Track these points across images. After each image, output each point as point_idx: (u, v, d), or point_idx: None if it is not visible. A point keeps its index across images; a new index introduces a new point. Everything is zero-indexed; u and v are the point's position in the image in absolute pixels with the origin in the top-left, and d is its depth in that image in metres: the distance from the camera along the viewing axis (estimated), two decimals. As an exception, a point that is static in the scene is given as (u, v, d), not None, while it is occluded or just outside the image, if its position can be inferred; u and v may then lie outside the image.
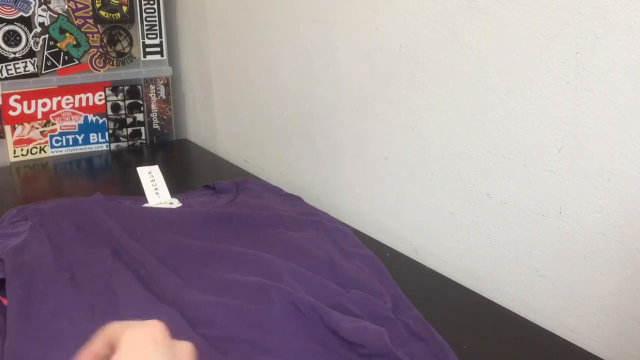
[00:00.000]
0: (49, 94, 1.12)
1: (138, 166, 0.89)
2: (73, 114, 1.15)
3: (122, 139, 1.20)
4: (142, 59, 1.19)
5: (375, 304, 0.56)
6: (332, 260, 0.63)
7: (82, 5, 1.11)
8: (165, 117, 1.24)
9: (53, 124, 1.14)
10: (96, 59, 1.15)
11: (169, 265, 0.61)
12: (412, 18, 0.67)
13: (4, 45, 1.06)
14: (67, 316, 0.54)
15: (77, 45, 1.13)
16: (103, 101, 1.17)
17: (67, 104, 1.14)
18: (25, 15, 1.07)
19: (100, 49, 1.15)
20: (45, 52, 1.10)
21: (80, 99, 1.15)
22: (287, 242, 0.67)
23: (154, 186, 0.84)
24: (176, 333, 0.43)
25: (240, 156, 1.12)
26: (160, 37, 1.19)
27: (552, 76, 0.54)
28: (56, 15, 1.09)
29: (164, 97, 1.23)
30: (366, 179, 0.81)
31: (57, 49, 1.11)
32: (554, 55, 0.53)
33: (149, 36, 1.18)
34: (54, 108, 1.13)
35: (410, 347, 0.51)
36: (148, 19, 1.17)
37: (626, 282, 0.52)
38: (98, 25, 1.14)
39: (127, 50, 1.17)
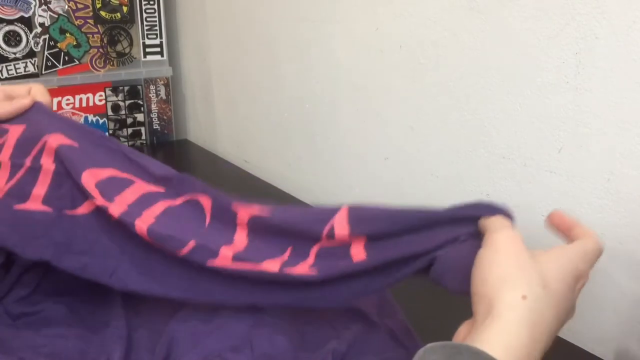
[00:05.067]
0: (49, 94, 1.12)
1: (138, 166, 0.89)
2: (73, 114, 1.15)
3: (122, 139, 1.20)
4: (142, 59, 1.19)
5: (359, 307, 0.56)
6: None
7: (82, 6, 1.11)
8: (165, 118, 1.24)
9: (53, 124, 1.14)
10: (96, 59, 1.15)
11: None
12: (412, 18, 0.67)
13: (4, 46, 1.06)
14: None
15: (78, 45, 1.13)
16: (103, 101, 1.17)
17: (67, 105, 1.14)
18: (26, 16, 1.07)
19: (101, 49, 1.15)
20: (46, 53, 1.10)
21: (81, 100, 1.15)
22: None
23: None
24: None
25: (241, 156, 1.12)
26: (160, 37, 1.19)
27: (552, 76, 0.54)
28: (56, 16, 1.09)
29: (164, 97, 1.23)
30: (366, 179, 0.81)
31: (57, 49, 1.11)
32: (554, 55, 0.53)
33: (149, 36, 1.18)
34: (54, 108, 1.13)
35: (391, 355, 0.51)
36: (148, 19, 1.17)
37: (626, 281, 0.52)
38: (98, 26, 1.14)
39: (127, 50, 1.17)
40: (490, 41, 0.59)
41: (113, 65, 1.17)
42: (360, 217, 0.48)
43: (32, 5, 1.07)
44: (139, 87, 1.20)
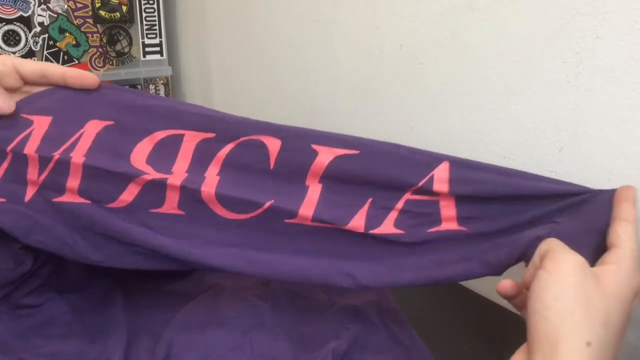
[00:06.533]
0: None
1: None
2: (73, 113, 1.15)
3: (121, 138, 1.20)
4: (142, 58, 1.19)
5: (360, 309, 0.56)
6: None
7: (81, 5, 1.11)
8: (164, 117, 1.24)
9: (53, 123, 1.14)
10: (96, 58, 1.15)
11: None
12: (412, 18, 0.67)
13: (3, 45, 1.06)
14: None
15: (77, 45, 1.13)
16: (103, 101, 1.17)
17: (66, 104, 1.14)
18: (25, 15, 1.07)
19: (100, 49, 1.15)
20: (45, 52, 1.10)
21: (80, 99, 1.15)
22: None
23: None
24: None
25: (240, 156, 1.12)
26: (160, 37, 1.19)
27: (552, 76, 0.54)
28: (56, 15, 1.09)
29: (163, 97, 1.23)
30: (366, 179, 0.81)
31: (56, 49, 1.11)
32: (554, 55, 0.53)
33: (149, 36, 1.18)
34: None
35: (391, 354, 0.51)
36: (148, 18, 1.17)
37: (626, 282, 0.52)
38: (98, 25, 1.14)
39: (126, 50, 1.17)
40: (490, 41, 0.59)
41: (112, 64, 1.17)
42: (463, 177, 0.45)
43: (32, 5, 1.07)
44: (139, 86, 1.20)
